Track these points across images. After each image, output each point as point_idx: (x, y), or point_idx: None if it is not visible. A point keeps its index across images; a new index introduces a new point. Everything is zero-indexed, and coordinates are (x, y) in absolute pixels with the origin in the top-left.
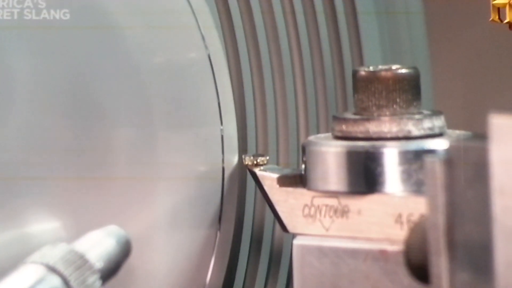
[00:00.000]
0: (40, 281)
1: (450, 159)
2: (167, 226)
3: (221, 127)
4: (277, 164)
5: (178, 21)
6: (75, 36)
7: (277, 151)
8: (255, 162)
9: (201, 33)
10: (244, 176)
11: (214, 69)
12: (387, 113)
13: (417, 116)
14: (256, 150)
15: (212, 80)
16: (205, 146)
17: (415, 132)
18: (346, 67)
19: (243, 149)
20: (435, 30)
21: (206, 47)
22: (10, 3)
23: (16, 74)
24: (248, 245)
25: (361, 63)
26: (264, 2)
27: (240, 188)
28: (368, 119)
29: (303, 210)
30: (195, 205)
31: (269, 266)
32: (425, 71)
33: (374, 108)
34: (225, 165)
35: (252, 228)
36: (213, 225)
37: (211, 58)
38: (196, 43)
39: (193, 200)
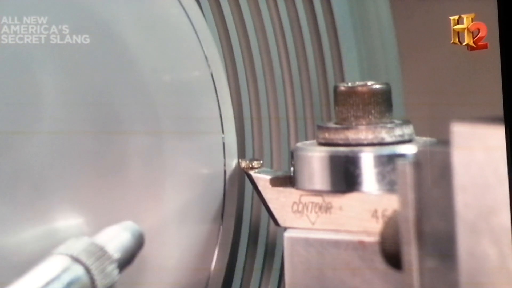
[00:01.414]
0: (65, 270)
1: (418, 162)
2: (176, 221)
3: (223, 136)
4: (271, 167)
5: (185, 44)
6: (94, 57)
7: (271, 156)
8: (250, 166)
9: (204, 54)
10: (242, 178)
11: (216, 85)
12: (364, 122)
13: (389, 125)
14: (253, 155)
15: (214, 95)
16: (209, 152)
17: (388, 139)
18: (330, 84)
19: (241, 155)
20: (405, 50)
21: (209, 66)
22: (38, 29)
23: (44, 89)
24: (247, 237)
25: (342, 80)
26: (259, 29)
27: (239, 189)
28: (347, 128)
29: (292, 207)
30: (201, 203)
31: (265, 255)
32: (397, 86)
33: (352, 119)
34: (226, 169)
35: (250, 222)
36: (216, 220)
37: (213, 76)
38: (201, 63)
39: (199, 199)
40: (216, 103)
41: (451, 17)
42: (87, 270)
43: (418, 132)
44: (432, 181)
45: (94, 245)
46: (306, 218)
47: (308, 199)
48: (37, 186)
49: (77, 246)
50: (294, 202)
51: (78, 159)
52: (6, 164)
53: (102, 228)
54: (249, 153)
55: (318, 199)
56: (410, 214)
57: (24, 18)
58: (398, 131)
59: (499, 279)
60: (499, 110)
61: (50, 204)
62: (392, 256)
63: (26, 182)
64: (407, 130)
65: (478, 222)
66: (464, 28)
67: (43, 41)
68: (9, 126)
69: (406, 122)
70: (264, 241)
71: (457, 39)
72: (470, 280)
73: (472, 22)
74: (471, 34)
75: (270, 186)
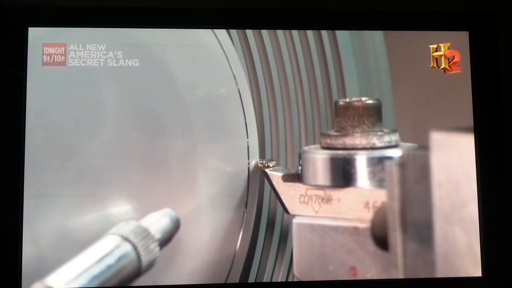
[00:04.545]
0: (117, 247)
1: (402, 163)
2: (208, 209)
3: (247, 140)
4: (286, 166)
5: (217, 66)
6: (143, 77)
7: (286, 157)
8: (266, 165)
9: (233, 74)
10: (262, 174)
11: (242, 99)
12: (358, 131)
13: (379, 133)
14: (271, 157)
15: (241, 107)
16: (236, 153)
17: (378, 144)
18: (334, 100)
19: (262, 156)
20: (395, 73)
21: (236, 84)
22: (98, 54)
23: (103, 103)
24: (266, 223)
25: (344, 97)
26: (277, 55)
27: (260, 183)
28: (345, 135)
29: (299, 198)
30: (229, 194)
31: (280, 238)
32: (388, 101)
33: (349, 128)
34: (250, 167)
35: (268, 211)
36: (241, 209)
37: (240, 92)
38: (230, 81)
39: (227, 191)
40: (242, 114)
41: (431, 46)
42: (134, 247)
43: (403, 139)
44: (413, 179)
45: (140, 227)
46: (311, 207)
47: (312, 192)
48: (96, 181)
49: (127, 228)
50: (301, 195)
51: (130, 158)
52: (73, 163)
53: (147, 214)
54: (268, 154)
55: (320, 192)
56: (396, 205)
57: (87, 46)
58: (386, 138)
59: (468, 261)
60: (470, 122)
61: (106, 194)
62: (381, 240)
63: (88, 178)
64: (394, 137)
65: (451, 213)
66: (441, 55)
67: (101, 64)
68: (75, 133)
69: (393, 130)
70: (280, 226)
71: (435, 64)
72: (444, 261)
73: (448, 50)
74: (447, 60)
75: (282, 181)
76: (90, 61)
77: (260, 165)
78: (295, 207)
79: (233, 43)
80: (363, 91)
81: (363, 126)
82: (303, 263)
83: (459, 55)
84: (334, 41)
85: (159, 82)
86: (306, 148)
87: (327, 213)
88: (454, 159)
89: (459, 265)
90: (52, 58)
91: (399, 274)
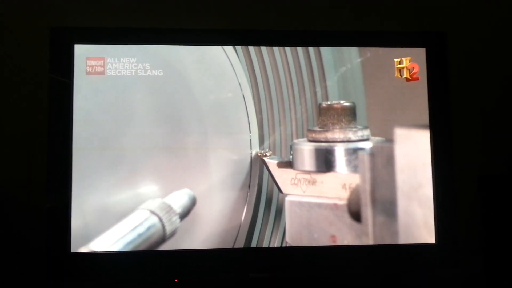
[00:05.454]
0: (146, 219)
1: (372, 153)
2: (218, 189)
3: (250, 134)
4: (280, 155)
5: (225, 75)
6: (166, 85)
7: (280, 148)
8: (264, 154)
9: (238, 82)
10: (262, 162)
11: (246, 103)
12: (337, 127)
13: (354, 129)
14: (269, 147)
15: (245, 109)
16: (241, 144)
17: (353, 138)
18: (319, 101)
19: (261, 147)
20: (367, 81)
21: (241, 90)
22: (130, 66)
23: (134, 105)
24: (264, 200)
25: (327, 100)
26: (273, 67)
27: (260, 169)
28: (327, 131)
29: (291, 181)
30: (236, 177)
31: (276, 211)
32: (362, 104)
33: (330, 125)
34: (251, 156)
35: (267, 191)
36: (245, 189)
37: (244, 96)
38: (236, 88)
39: (234, 174)
40: (246, 114)
41: (395, 59)
42: (160, 220)
43: (373, 133)
44: (381, 166)
45: (164, 204)
46: (300, 188)
47: (301, 176)
48: (130, 166)
49: (154, 204)
50: (292, 178)
51: (156, 149)
52: (111, 152)
53: (170, 193)
54: (266, 146)
55: (307, 176)
56: (367, 186)
57: (122, 59)
58: (360, 133)
59: (424, 230)
60: (426, 120)
61: (138, 177)
62: (355, 214)
63: (124, 164)
64: (366, 132)
65: (410, 193)
66: (404, 67)
67: (133, 74)
68: (112, 128)
69: (365, 127)
70: (276, 203)
71: (399, 74)
72: (405, 231)
73: (409, 62)
74: (408, 71)
75: (277, 167)
76: (124, 71)
77: (259, 154)
78: (287, 188)
79: (238, 57)
80: (341, 96)
81: (341, 123)
82: (293, 232)
83: (418, 67)
84: (319, 56)
85: (179, 88)
86: (296, 141)
87: (313, 192)
88: (413, 150)
89: (417, 234)
90: (93, 68)
91: (370, 241)
